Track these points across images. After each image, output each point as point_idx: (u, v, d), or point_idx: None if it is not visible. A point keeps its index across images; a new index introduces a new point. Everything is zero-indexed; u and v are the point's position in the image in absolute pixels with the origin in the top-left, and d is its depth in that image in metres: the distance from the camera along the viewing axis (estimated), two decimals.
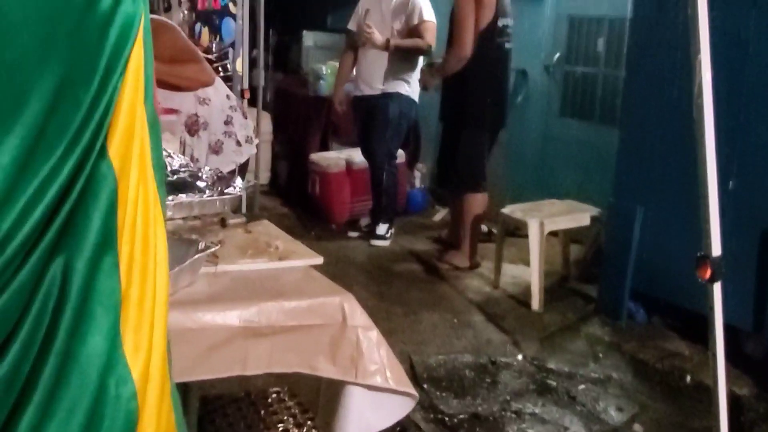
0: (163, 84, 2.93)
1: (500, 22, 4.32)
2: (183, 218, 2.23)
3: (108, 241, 0.75)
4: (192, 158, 3.03)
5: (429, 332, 3.77)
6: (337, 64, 5.63)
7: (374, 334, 1.74)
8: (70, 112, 0.69)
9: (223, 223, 2.18)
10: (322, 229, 5.51)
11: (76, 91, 0.69)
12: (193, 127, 3.03)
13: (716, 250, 1.73)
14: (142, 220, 0.79)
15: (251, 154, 3.36)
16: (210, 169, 2.49)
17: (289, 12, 7.21)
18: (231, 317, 1.60)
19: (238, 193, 2.35)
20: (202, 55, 2.90)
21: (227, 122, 3.15)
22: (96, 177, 0.73)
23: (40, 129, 0.67)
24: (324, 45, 6.70)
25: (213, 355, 1.58)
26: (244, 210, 4.71)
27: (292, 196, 6.14)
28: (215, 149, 3.09)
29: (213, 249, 1.77)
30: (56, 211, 0.70)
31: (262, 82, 4.48)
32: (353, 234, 5.37)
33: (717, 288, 1.74)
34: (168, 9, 5.18)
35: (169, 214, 2.20)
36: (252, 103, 5.20)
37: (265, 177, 6.49)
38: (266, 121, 6.37)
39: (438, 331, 3.78)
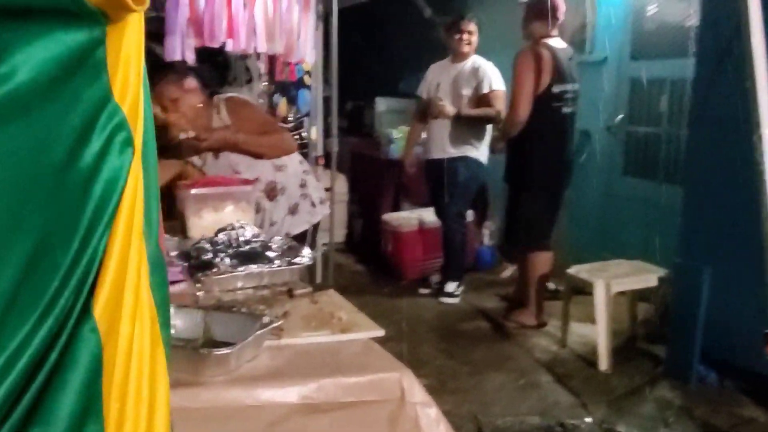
0: (248, 153, 3.01)
1: (558, 88, 4.24)
2: (253, 288, 2.22)
3: (90, 408, 0.66)
4: (270, 222, 3.06)
5: (495, 392, 3.62)
6: (407, 128, 5.65)
7: (433, 411, 1.65)
8: (46, 276, 0.62)
9: (290, 293, 2.15)
10: (394, 286, 5.46)
11: (54, 255, 0.62)
12: (271, 192, 3.06)
13: None
14: (137, 374, 0.70)
15: (325, 214, 3.35)
16: (281, 239, 2.48)
17: (363, 80, 7.33)
18: (290, 394, 1.54)
19: (307, 263, 2.32)
20: (281, 125, 3.00)
21: (302, 185, 3.17)
22: (77, 342, 0.64)
23: (12, 296, 0.60)
24: (395, 110, 6.75)
25: (275, 430, 1.53)
26: (320, 270, 4.73)
27: (367, 254, 6.13)
28: (292, 210, 3.12)
29: (277, 324, 1.73)
30: (28, 383, 0.61)
31: (336, 148, 4.52)
32: (424, 291, 5.30)
33: None
34: (249, 81, 5.33)
35: (239, 284, 2.20)
36: (327, 166, 5.28)
37: (341, 236, 6.52)
38: (341, 183, 6.43)
39: (504, 392, 3.64)
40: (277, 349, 1.73)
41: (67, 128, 0.61)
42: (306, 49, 4.24)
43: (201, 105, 3.02)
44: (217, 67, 5.60)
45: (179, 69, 3.14)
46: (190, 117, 2.96)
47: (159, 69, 2.96)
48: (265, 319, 1.73)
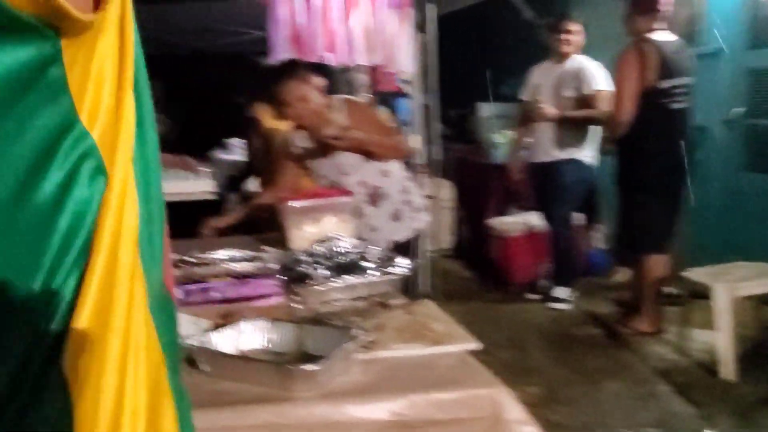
0: (370, 155, 2.97)
1: (667, 83, 3.96)
2: (350, 299, 2.17)
3: None
4: (370, 228, 2.99)
5: (611, 402, 3.41)
6: (510, 133, 5.49)
7: (531, 430, 1.53)
8: None
9: (385, 304, 2.09)
10: (502, 292, 5.30)
11: (7, 298, 0.54)
12: (375, 197, 3.01)
13: None
14: None
15: (427, 221, 3.27)
16: (378, 249, 2.42)
17: (465, 86, 7.21)
18: (380, 410, 1.47)
19: (403, 273, 2.26)
20: (395, 128, 2.96)
21: (405, 191, 3.10)
22: (38, 405, 0.55)
23: None
24: (498, 114, 6.59)
25: None
26: (426, 278, 4.63)
27: (474, 260, 6.00)
28: (395, 217, 3.05)
29: (367, 337, 1.67)
30: None
31: (438, 156, 4.43)
32: (532, 297, 5.11)
33: None
34: (350, 94, 5.35)
35: (336, 295, 2.16)
36: (432, 173, 5.20)
37: (448, 242, 6.43)
38: (447, 190, 6.34)
39: (620, 402, 3.41)
40: (368, 362, 1.67)
41: (16, 158, 0.53)
42: (404, 58, 4.19)
43: (326, 105, 3.00)
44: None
45: (305, 68, 3.11)
46: (316, 116, 2.95)
47: (282, 70, 2.98)
48: (355, 333, 1.68)
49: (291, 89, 2.90)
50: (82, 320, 0.55)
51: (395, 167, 3.09)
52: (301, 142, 3.06)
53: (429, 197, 5.17)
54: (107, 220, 0.57)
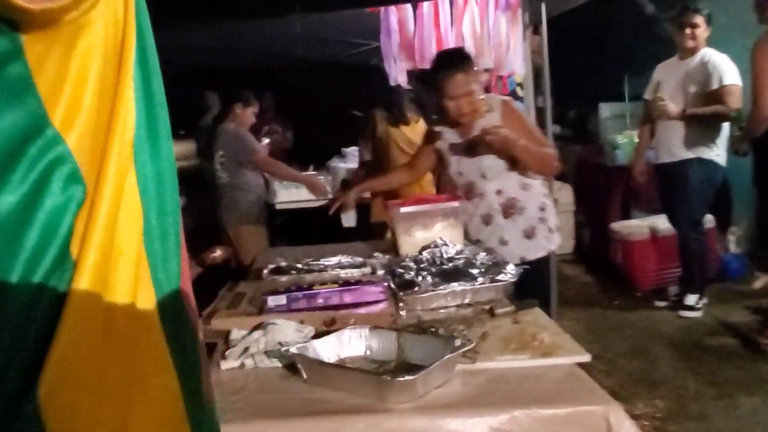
0: (515, 160, 2.71)
1: None
2: (456, 306, 2.09)
3: None
4: (500, 240, 2.78)
5: (748, 419, 3.09)
6: (633, 133, 5.18)
7: None
8: None
9: (491, 312, 1.98)
10: (626, 297, 4.99)
11: None
12: (510, 209, 2.78)
13: None
14: None
15: (559, 243, 2.96)
16: (485, 255, 2.32)
17: (585, 86, 6.91)
18: (479, 426, 1.38)
19: (510, 280, 2.14)
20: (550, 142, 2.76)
21: (542, 209, 2.84)
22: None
23: None
24: (620, 114, 6.25)
25: None
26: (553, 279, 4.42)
27: (596, 264, 5.70)
28: (528, 234, 2.80)
29: (468, 347, 1.58)
30: None
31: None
32: (660, 304, 4.77)
33: None
34: None
35: (441, 302, 2.08)
36: (555, 176, 4.98)
37: (569, 246, 6.16)
38: (567, 192, 6.09)
39: (760, 418, 3.08)
40: (470, 373, 1.58)
41: None
42: (516, 61, 4.06)
43: (484, 103, 2.80)
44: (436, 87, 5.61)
45: (471, 62, 2.80)
46: (474, 113, 2.76)
47: (448, 63, 2.72)
48: (457, 342, 1.59)
49: (459, 83, 2.66)
50: (62, 342, 0.49)
51: (536, 182, 2.84)
52: (450, 137, 2.87)
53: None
54: (93, 232, 0.51)
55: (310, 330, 1.80)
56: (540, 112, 4.42)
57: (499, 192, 2.78)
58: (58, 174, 0.51)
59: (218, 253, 3.14)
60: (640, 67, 5.31)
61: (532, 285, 2.34)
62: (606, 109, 6.42)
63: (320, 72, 7.01)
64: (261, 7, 4.08)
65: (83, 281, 0.51)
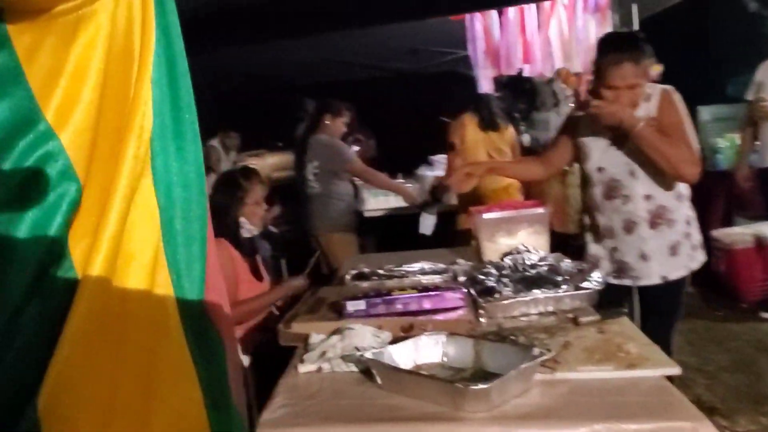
0: (648, 153, 2.31)
1: None
2: (538, 314, 2.00)
3: None
4: (641, 255, 2.44)
5: None
6: (734, 136, 4.86)
7: None
8: None
9: (575, 321, 1.88)
10: (730, 309, 4.66)
11: None
12: (656, 219, 2.39)
13: None
14: None
15: (702, 261, 2.55)
16: (570, 262, 2.22)
17: (684, 88, 6.55)
18: None
19: (595, 288, 2.03)
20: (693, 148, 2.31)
21: (688, 223, 2.48)
22: None
23: None
24: (721, 117, 5.87)
25: None
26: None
27: (698, 274, 5.34)
28: (672, 250, 2.42)
29: (548, 357, 1.50)
30: None
31: None
32: (766, 315, 4.43)
33: None
34: (556, 104, 5.08)
35: (522, 309, 2.00)
36: None
37: None
38: None
39: None
40: (550, 384, 1.49)
41: None
42: None
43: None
44: (525, 94, 5.48)
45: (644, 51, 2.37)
46: (632, 107, 2.33)
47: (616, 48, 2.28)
48: (536, 351, 1.51)
49: (625, 73, 2.26)
50: (60, 365, 0.46)
51: (687, 193, 2.49)
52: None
53: None
54: (102, 235, 0.47)
55: (387, 336, 1.77)
56: None
57: (648, 197, 2.38)
58: (49, 169, 0.49)
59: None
60: (742, 67, 4.98)
61: (662, 304, 2.15)
62: (706, 112, 6.05)
63: (409, 81, 7.02)
64: (353, 19, 4.11)
65: (87, 288, 0.48)
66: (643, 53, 2.32)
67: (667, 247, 2.41)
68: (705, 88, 6.31)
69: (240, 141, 5.99)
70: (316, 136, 4.25)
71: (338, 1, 3.96)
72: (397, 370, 1.47)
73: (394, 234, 4.90)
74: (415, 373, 1.43)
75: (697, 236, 2.52)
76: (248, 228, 2.81)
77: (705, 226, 5.21)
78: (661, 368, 1.54)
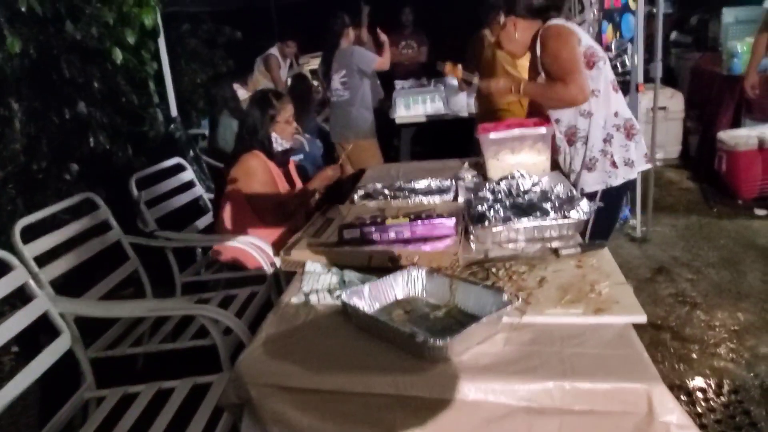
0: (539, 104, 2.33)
1: None
2: (526, 241, 1.77)
3: None
4: (569, 168, 2.34)
5: None
6: (753, 41, 4.22)
7: None
8: None
9: (556, 252, 1.65)
10: (726, 205, 4.29)
11: None
12: (571, 138, 2.29)
13: None
14: None
15: (629, 179, 2.28)
16: (562, 188, 1.95)
17: None
18: (513, 396, 1.13)
19: (582, 218, 1.77)
20: (577, 71, 2.18)
21: (605, 140, 2.24)
22: None
23: None
24: (745, 20, 5.12)
25: (492, 427, 1.15)
26: (649, 188, 3.84)
27: (700, 171, 4.93)
28: (588, 166, 2.26)
29: (516, 304, 1.30)
30: None
31: (659, 74, 3.51)
32: (760, 212, 4.05)
33: None
34: (582, 10, 4.49)
35: (511, 236, 1.77)
36: (669, 83, 4.16)
37: (675, 151, 5.39)
38: (678, 100, 5.23)
39: None
40: (516, 329, 1.31)
41: None
42: None
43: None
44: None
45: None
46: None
47: None
48: (505, 298, 1.31)
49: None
50: None
51: (600, 110, 2.23)
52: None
53: (660, 108, 4.25)
54: None
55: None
56: (652, 20, 3.67)
57: (557, 121, 2.30)
58: None
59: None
60: None
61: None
62: (730, 15, 5.28)
63: None
64: None
65: None
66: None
67: (583, 162, 2.27)
68: None
69: (297, 49, 5.62)
70: (340, 48, 3.90)
71: None
72: (365, 316, 1.30)
73: (424, 138, 4.61)
74: (381, 322, 1.26)
75: (621, 153, 2.25)
76: (280, 142, 2.64)
77: (713, 127, 4.70)
78: (627, 315, 1.32)
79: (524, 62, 3.16)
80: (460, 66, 2.55)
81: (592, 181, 2.27)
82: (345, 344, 1.28)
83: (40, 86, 3.01)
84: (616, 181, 2.26)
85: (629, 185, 2.42)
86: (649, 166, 2.38)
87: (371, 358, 1.22)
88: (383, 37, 3.98)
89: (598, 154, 2.26)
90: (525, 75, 2.54)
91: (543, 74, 2.24)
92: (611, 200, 2.18)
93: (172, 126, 3.76)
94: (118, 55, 3.06)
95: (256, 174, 2.53)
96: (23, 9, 2.66)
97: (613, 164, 2.25)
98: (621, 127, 2.25)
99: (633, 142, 2.26)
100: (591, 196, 2.06)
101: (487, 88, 2.42)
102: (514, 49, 2.37)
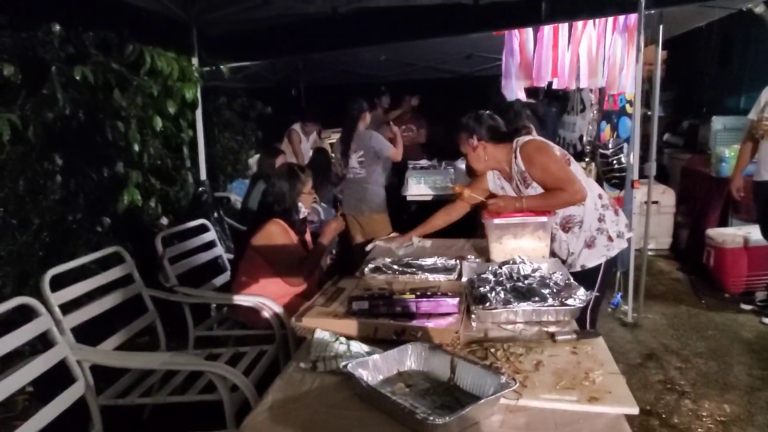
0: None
1: None
2: (524, 323, 1.77)
3: None
4: (569, 252, 2.44)
5: None
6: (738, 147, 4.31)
7: None
8: None
9: (553, 337, 1.65)
10: (714, 298, 4.25)
11: None
12: (567, 225, 2.42)
13: None
14: None
15: (623, 248, 2.46)
16: (561, 275, 1.96)
17: (703, 98, 5.91)
18: None
19: (578, 306, 1.77)
20: (572, 178, 2.28)
21: (600, 219, 2.42)
22: None
23: None
24: (733, 128, 5.27)
25: None
26: (638, 275, 3.85)
27: (689, 263, 4.92)
28: (588, 244, 2.41)
29: (513, 387, 1.29)
30: None
31: (653, 173, 3.59)
32: (746, 307, 4.01)
33: None
34: (583, 110, 4.66)
35: (510, 318, 1.77)
36: (661, 180, 4.24)
37: (666, 242, 5.41)
38: (669, 196, 5.31)
39: None
40: (511, 410, 1.29)
41: None
42: (627, 81, 3.46)
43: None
44: (558, 99, 5.07)
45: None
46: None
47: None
48: (503, 380, 1.30)
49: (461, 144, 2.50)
50: None
51: (591, 197, 2.39)
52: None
53: (653, 203, 4.30)
54: None
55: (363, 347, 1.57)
56: (648, 122, 3.78)
57: (550, 213, 2.37)
58: None
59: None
60: (761, 83, 4.39)
61: (584, 286, 1.90)
62: (719, 122, 5.45)
63: (462, 82, 6.75)
64: (422, 30, 3.83)
65: None
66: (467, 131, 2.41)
67: (584, 242, 2.41)
68: (724, 100, 5.68)
69: (320, 126, 5.82)
70: (358, 131, 4.03)
71: (406, 16, 3.68)
72: (370, 388, 1.29)
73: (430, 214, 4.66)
74: (383, 395, 1.25)
75: (614, 228, 2.43)
76: (302, 210, 2.72)
77: (702, 223, 4.75)
78: (619, 406, 1.30)
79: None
80: (467, 190, 2.61)
81: (594, 257, 2.41)
82: (347, 414, 1.27)
83: (84, 146, 3.11)
84: (613, 253, 2.42)
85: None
86: (632, 233, 2.59)
87: (371, 429, 1.20)
88: (395, 129, 4.13)
89: (595, 232, 2.42)
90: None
91: (534, 184, 2.36)
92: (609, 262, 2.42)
93: (200, 188, 3.84)
94: (159, 123, 3.18)
95: (278, 239, 2.57)
96: (77, 77, 2.80)
97: (609, 238, 2.41)
98: (608, 206, 2.45)
99: (618, 216, 2.47)
100: (595, 270, 2.27)
101: (496, 209, 2.42)
102: (482, 168, 2.50)
